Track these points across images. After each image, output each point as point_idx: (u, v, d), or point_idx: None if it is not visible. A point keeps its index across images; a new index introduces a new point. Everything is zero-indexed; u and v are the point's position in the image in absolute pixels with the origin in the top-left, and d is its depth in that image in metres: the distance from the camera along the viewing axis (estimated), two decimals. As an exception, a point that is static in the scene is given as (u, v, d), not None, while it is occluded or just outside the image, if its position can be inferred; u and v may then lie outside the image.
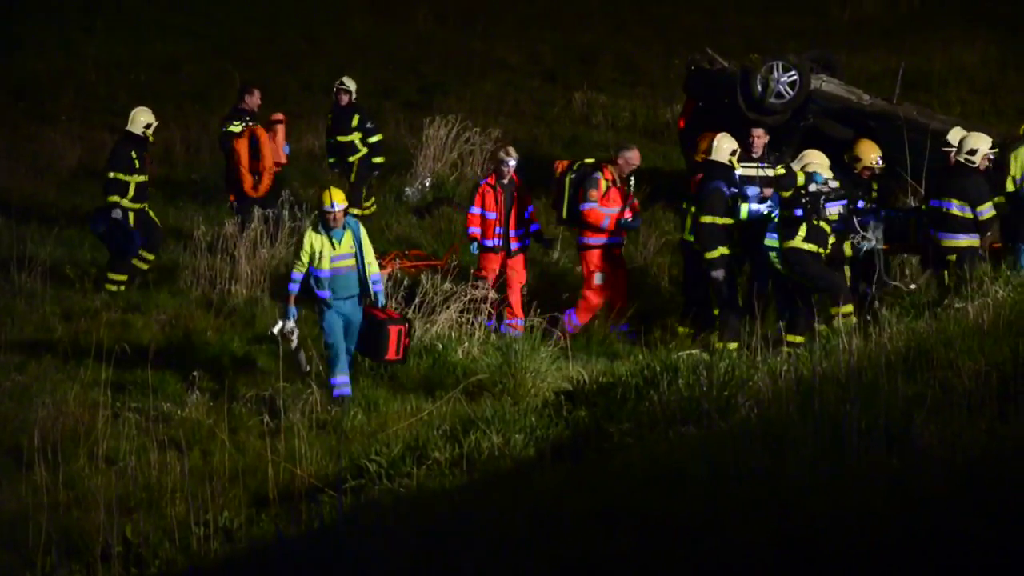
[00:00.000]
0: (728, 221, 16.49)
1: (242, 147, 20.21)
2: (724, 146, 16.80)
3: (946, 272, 15.86)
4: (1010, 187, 16.54)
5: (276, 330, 15.52)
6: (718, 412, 11.70)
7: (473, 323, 16.93)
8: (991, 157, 16.29)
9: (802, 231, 15.84)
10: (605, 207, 17.41)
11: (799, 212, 15.84)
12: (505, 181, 17.67)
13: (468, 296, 17.15)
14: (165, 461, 13.37)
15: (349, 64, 26.84)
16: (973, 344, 10.88)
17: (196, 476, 12.89)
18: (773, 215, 16.23)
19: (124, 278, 18.77)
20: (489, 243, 17.68)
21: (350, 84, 21.71)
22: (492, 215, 17.65)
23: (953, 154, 16.39)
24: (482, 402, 15.05)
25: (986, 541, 7.91)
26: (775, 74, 20.71)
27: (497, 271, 17.65)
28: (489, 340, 16.69)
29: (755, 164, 17.47)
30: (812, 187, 15.91)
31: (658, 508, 9.39)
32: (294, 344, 15.56)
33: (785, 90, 20.72)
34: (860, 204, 16.44)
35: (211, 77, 29.82)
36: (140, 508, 12.25)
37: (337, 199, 15.39)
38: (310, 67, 30.19)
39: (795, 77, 20.71)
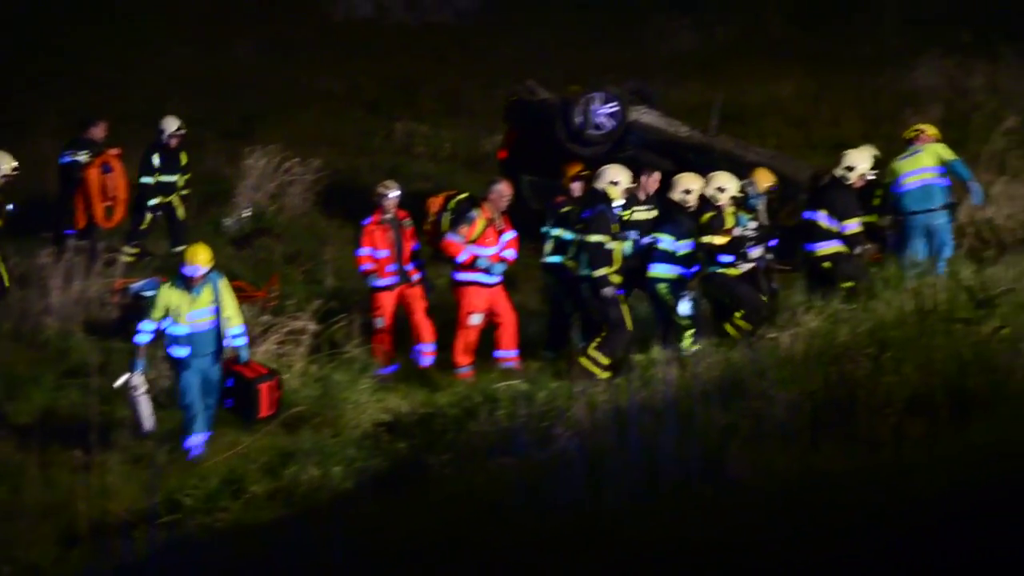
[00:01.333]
0: (614, 245, 16.39)
1: (94, 176, 19.89)
2: (608, 176, 16.72)
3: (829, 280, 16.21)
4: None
5: (120, 382, 14.93)
6: (536, 443, 11.71)
7: (293, 354, 16.74)
8: (868, 178, 16.69)
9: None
10: (481, 246, 17.17)
11: (732, 259, 16.09)
12: (389, 217, 17.28)
13: (287, 328, 16.96)
14: (-27, 498, 13.06)
15: (166, 94, 26.51)
16: (786, 373, 11.00)
17: (4, 513, 12.59)
18: (658, 244, 16.35)
19: None
20: (383, 282, 17.19)
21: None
22: (384, 253, 17.14)
23: (833, 169, 16.90)
24: (301, 434, 14.91)
25: (800, 569, 7.98)
26: (595, 105, 20.87)
27: (392, 310, 17.26)
28: (308, 371, 16.51)
29: (644, 207, 17.36)
30: (738, 230, 16.18)
31: (477, 540, 9.35)
32: (139, 400, 14.89)
33: (604, 121, 20.88)
34: (773, 243, 16.72)
35: (23, 107, 29.24)
36: (-55, 547, 11.93)
37: (202, 261, 14.70)
38: (125, 98, 29.73)
39: (614, 108, 20.89)
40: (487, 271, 17.01)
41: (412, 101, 30.16)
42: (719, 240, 16.23)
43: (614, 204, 16.55)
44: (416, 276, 17.40)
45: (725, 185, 16.44)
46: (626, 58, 31.51)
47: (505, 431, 12.60)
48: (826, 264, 16.36)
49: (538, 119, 21.28)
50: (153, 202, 21.08)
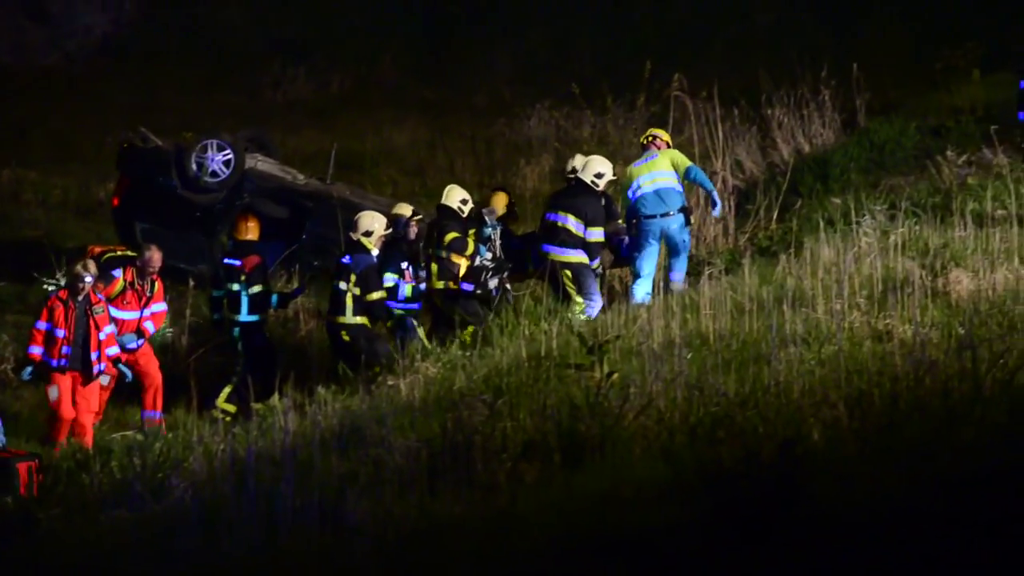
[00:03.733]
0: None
1: None
2: (363, 225, 16.53)
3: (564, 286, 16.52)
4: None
5: None
6: (151, 494, 11.52)
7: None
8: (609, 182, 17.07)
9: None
10: (120, 309, 16.66)
11: (469, 287, 16.10)
12: (80, 297, 16.20)
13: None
14: None
15: None
16: (405, 421, 11.08)
17: None
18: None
19: None
20: (54, 363, 16.10)
21: None
22: (61, 332, 16.04)
23: (579, 174, 17.02)
24: None
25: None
26: (209, 153, 20.71)
27: (68, 394, 16.12)
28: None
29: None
30: (477, 260, 16.29)
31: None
32: None
33: (220, 169, 20.73)
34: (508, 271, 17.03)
35: None
36: None
37: None
38: None
39: (229, 156, 20.77)
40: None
41: (19, 147, 29.35)
42: (459, 261, 16.41)
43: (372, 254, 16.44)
44: (97, 368, 16.27)
45: (467, 196, 16.82)
46: (241, 105, 31.41)
47: (119, 483, 12.35)
48: (566, 272, 16.53)
49: (152, 167, 20.98)
50: None
